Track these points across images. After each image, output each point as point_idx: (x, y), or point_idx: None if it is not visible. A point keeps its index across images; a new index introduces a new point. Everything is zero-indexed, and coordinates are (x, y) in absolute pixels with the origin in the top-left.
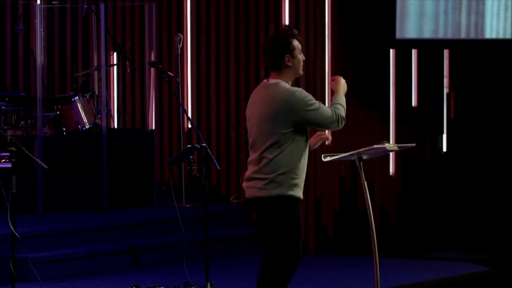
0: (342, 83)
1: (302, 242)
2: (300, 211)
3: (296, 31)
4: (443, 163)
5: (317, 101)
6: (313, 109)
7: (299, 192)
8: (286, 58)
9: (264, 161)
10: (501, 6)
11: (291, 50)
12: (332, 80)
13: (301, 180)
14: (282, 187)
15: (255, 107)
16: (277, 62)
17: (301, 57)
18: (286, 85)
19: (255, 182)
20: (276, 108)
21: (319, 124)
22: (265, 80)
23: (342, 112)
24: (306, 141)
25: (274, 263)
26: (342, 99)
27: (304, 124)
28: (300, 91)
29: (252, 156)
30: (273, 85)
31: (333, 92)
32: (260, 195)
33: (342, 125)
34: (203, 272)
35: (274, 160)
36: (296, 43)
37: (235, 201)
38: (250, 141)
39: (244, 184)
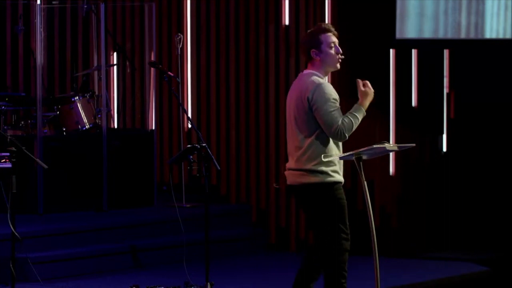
0: (370, 94)
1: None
2: (341, 193)
3: (328, 27)
4: (443, 163)
5: (336, 105)
6: (325, 109)
7: (337, 177)
8: (313, 52)
9: (299, 151)
10: (501, 6)
11: (317, 45)
12: (364, 86)
13: (337, 167)
14: (320, 175)
15: (289, 96)
16: (307, 56)
17: (332, 51)
18: (316, 76)
19: (295, 172)
20: (302, 97)
21: (322, 126)
22: (301, 72)
23: (347, 128)
24: None
25: (318, 250)
26: (359, 113)
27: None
28: (326, 85)
29: (288, 146)
30: (304, 75)
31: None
32: (300, 181)
33: (341, 139)
34: (203, 272)
35: (309, 151)
36: (326, 37)
37: (276, 186)
38: (287, 130)
39: (286, 172)
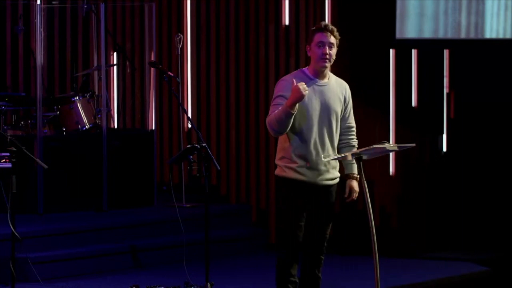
0: (296, 91)
1: (298, 226)
2: (290, 190)
3: (324, 26)
4: (443, 163)
5: (279, 101)
6: (272, 104)
7: (289, 173)
8: (307, 48)
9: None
10: (501, 6)
11: (309, 42)
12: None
13: (297, 164)
14: (278, 168)
15: None
16: None
17: (318, 50)
18: (293, 73)
19: None
20: None
21: None
22: None
23: (268, 121)
24: (302, 126)
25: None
26: (282, 109)
27: None
28: (283, 82)
29: None
30: None
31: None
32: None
33: (271, 134)
34: (203, 272)
35: (278, 145)
36: (316, 36)
37: None
38: None
39: None
